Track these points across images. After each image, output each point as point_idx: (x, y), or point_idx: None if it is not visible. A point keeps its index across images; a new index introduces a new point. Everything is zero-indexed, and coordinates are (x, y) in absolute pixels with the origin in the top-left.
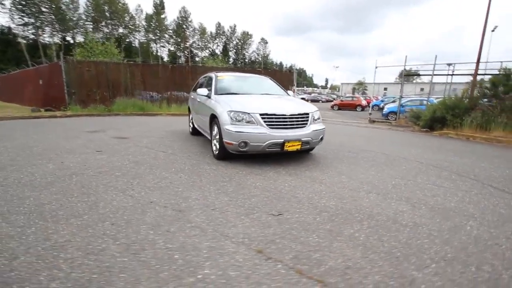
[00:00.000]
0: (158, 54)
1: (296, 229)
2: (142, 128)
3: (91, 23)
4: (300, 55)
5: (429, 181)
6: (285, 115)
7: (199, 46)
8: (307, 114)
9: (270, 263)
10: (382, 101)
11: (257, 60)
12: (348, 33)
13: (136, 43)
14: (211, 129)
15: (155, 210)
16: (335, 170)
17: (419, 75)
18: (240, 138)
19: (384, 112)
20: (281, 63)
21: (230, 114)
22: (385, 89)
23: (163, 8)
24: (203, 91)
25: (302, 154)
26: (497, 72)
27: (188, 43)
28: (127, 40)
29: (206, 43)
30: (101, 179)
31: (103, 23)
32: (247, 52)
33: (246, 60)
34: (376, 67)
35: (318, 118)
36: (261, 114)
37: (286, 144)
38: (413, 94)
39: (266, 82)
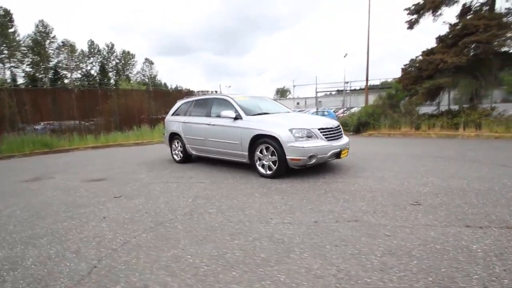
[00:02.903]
0: (6, 76)
1: (452, 207)
2: (96, 167)
3: None
4: (185, 76)
5: (435, 164)
6: (332, 128)
7: (67, 66)
8: (340, 126)
9: (486, 229)
10: None
11: (144, 82)
12: (227, 55)
13: None
14: (253, 150)
15: (336, 226)
16: (375, 169)
17: (340, 91)
18: (309, 152)
19: None
20: (165, 84)
21: (292, 131)
22: None
23: (11, 20)
24: (228, 113)
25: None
26: (382, 87)
27: (70, 63)
28: None
29: (78, 63)
30: (207, 220)
31: None
32: (131, 73)
33: (131, 82)
34: (294, 86)
35: None
36: (319, 129)
37: (342, 152)
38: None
39: (276, 102)
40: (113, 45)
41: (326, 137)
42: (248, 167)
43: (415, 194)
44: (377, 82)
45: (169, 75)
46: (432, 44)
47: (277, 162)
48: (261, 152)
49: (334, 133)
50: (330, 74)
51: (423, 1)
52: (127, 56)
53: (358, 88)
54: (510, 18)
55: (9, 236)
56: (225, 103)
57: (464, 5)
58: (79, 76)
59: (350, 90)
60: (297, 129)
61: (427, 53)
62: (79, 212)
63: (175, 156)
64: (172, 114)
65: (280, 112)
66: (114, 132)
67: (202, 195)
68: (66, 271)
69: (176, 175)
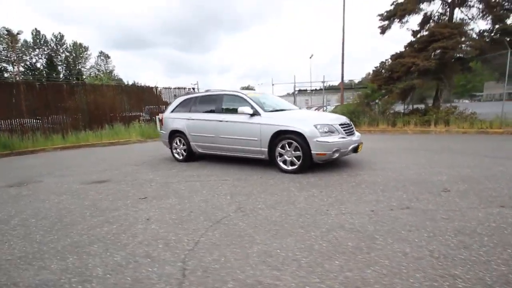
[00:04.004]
0: None
1: (477, 191)
2: (85, 168)
3: None
4: (143, 71)
5: (432, 157)
6: (348, 124)
7: (7, 59)
8: (351, 122)
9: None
10: None
11: (99, 77)
12: (189, 52)
13: None
14: (273, 146)
15: (395, 213)
16: (383, 162)
17: (314, 89)
18: (334, 147)
19: None
20: (121, 79)
21: (317, 127)
22: None
23: None
24: (245, 109)
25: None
26: (361, 86)
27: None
28: None
29: (21, 55)
30: (264, 216)
31: None
32: (84, 67)
33: (84, 77)
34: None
35: None
36: (340, 124)
37: (359, 146)
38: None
39: (281, 99)
40: (62, 36)
41: (346, 132)
42: (262, 162)
43: (437, 182)
44: (336, 83)
45: (126, 70)
46: (385, 49)
47: (302, 157)
48: (282, 148)
49: (350, 129)
50: (296, 75)
51: (393, 8)
52: (78, 49)
53: (332, 85)
54: (465, 27)
55: (45, 246)
56: (237, 100)
57: (425, 14)
58: (22, 69)
59: (311, 90)
60: (321, 125)
61: (397, 56)
62: (112, 215)
63: (176, 155)
64: (172, 111)
65: (292, 108)
66: (83, 131)
67: (237, 192)
68: (154, 276)
69: (190, 174)
